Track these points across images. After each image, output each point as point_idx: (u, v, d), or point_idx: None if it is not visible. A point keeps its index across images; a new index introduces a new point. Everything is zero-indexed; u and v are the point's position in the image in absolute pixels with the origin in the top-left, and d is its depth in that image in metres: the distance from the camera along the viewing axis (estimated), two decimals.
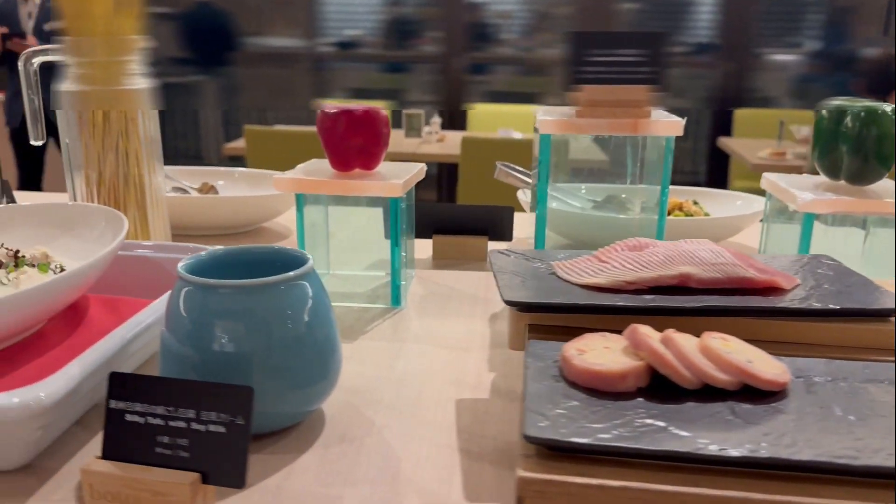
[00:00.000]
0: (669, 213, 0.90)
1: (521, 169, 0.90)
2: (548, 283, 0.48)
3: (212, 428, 0.38)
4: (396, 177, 0.66)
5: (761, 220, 0.75)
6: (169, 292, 0.46)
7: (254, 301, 0.43)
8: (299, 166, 0.70)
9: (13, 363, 0.47)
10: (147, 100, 0.69)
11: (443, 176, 4.30)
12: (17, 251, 0.57)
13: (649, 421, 0.35)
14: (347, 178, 0.66)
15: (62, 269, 0.56)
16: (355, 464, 0.43)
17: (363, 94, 4.76)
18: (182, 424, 0.38)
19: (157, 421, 0.38)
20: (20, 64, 0.68)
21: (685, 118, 0.61)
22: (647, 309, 0.44)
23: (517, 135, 3.28)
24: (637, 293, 0.45)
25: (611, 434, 0.34)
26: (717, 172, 4.24)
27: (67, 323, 0.53)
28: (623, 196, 0.84)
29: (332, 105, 0.67)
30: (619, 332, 0.42)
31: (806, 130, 3.27)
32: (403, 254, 0.68)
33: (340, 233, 0.79)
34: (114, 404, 0.39)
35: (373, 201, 0.70)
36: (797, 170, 2.82)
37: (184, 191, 0.96)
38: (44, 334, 0.52)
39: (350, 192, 0.65)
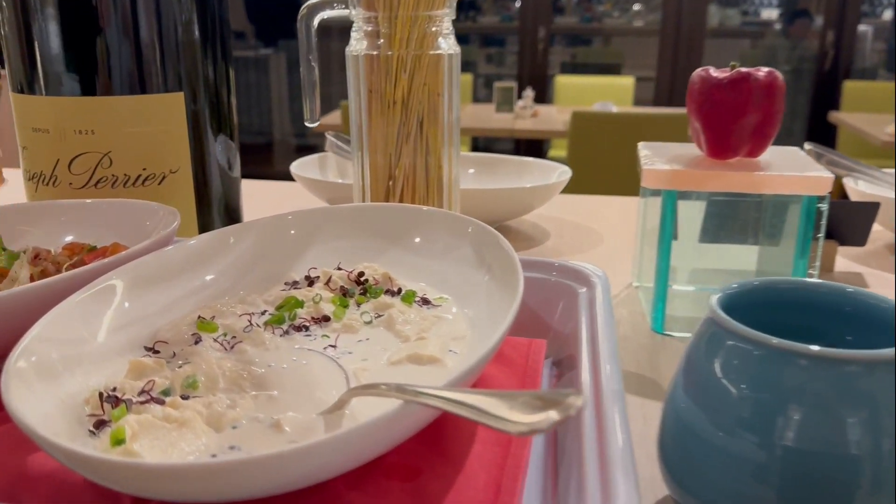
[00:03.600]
0: None
1: (833, 150, 0.73)
2: None
3: None
4: (791, 167, 0.50)
5: None
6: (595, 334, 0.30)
7: (866, 380, 0.28)
8: (647, 152, 0.53)
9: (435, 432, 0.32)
10: (456, 71, 0.53)
11: (520, 153, 4.11)
12: (361, 273, 0.42)
13: None
14: (732, 170, 0.49)
15: (424, 300, 0.40)
16: None
17: None
18: None
19: None
20: (299, 21, 0.53)
21: None
22: None
23: (614, 108, 3.08)
24: None
25: None
26: None
27: None
28: None
29: (715, 69, 0.50)
30: None
31: None
32: (815, 266, 0.51)
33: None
34: None
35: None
36: None
37: None
38: None
39: (758, 188, 0.48)
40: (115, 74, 0.52)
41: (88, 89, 0.52)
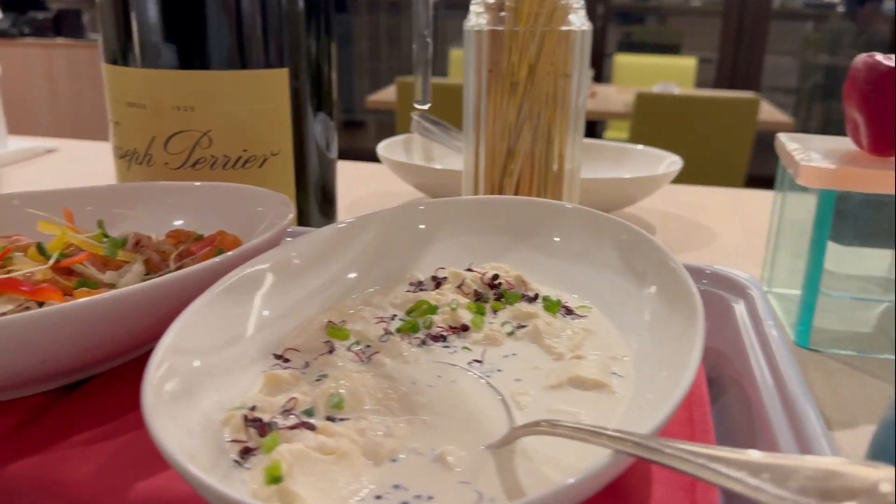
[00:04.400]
0: None
1: None
2: None
3: None
4: None
5: None
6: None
7: None
8: (796, 146, 0.48)
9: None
10: (586, 50, 0.48)
11: None
12: (496, 276, 0.37)
13: None
14: None
15: (566, 309, 0.36)
16: None
17: None
18: None
19: None
20: None
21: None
22: None
23: (676, 89, 2.97)
24: None
25: None
26: None
27: None
28: None
29: (881, 55, 0.44)
30: None
31: None
32: None
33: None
34: None
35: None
36: None
37: None
38: None
39: None
40: (214, 47, 0.49)
41: (187, 62, 0.49)
